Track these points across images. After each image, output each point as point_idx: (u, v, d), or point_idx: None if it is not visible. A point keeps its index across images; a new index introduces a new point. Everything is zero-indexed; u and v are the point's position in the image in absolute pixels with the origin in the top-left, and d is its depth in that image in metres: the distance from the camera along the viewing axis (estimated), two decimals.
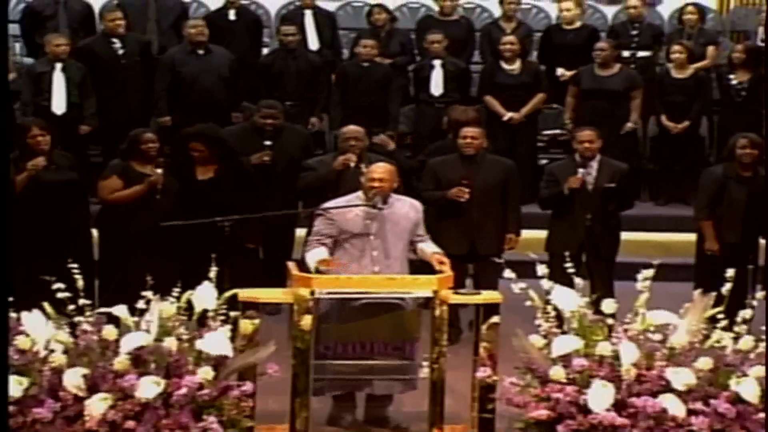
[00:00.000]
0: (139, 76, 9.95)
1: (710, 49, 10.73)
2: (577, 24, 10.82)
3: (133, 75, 9.93)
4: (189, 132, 7.94)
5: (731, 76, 10.18)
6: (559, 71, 10.50)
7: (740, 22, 11.72)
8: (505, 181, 8.00)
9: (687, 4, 10.99)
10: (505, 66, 10.16)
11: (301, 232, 8.20)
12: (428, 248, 6.51)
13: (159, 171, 7.57)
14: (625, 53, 10.59)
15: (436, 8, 11.16)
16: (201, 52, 9.87)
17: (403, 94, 10.39)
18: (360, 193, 6.49)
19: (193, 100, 9.77)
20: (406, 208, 6.53)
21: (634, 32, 10.82)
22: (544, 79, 10.31)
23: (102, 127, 9.70)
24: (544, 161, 10.30)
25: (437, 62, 10.21)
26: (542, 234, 8.18)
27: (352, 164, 7.78)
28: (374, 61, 10.14)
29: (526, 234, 8.16)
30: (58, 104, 9.57)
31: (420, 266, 6.61)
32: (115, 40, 9.88)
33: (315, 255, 6.30)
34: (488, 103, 10.17)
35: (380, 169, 6.48)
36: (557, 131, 10.51)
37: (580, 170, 7.89)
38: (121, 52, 9.87)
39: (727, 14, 11.98)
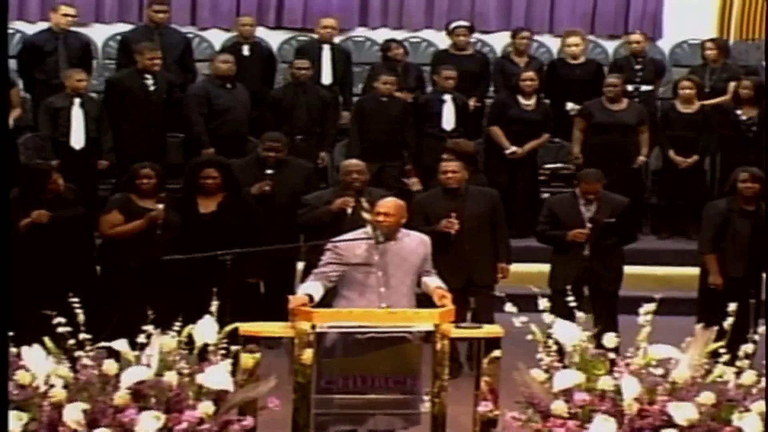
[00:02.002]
0: (163, 113, 10.01)
1: (731, 84, 10.72)
2: (582, 59, 10.87)
3: (157, 111, 9.99)
4: (201, 160, 7.97)
5: (738, 112, 10.18)
6: (569, 105, 10.53)
7: (740, 57, 11.75)
8: (492, 211, 8.02)
9: (707, 40, 11.04)
10: (522, 101, 10.18)
11: (302, 265, 8.19)
12: (432, 282, 6.52)
13: (160, 206, 7.58)
14: (629, 87, 10.63)
15: (444, 43, 11.18)
16: (229, 86, 9.98)
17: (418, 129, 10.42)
18: (368, 228, 6.50)
19: (225, 132, 9.90)
20: (415, 244, 6.54)
21: (638, 67, 10.86)
22: (551, 118, 10.34)
23: (120, 162, 9.71)
24: (545, 195, 10.32)
25: (448, 97, 10.24)
26: (542, 267, 8.17)
27: (349, 210, 7.78)
28: (392, 96, 10.17)
29: (527, 267, 8.18)
30: (77, 139, 9.62)
31: (423, 300, 6.61)
32: (147, 76, 9.93)
33: (303, 288, 6.35)
34: (493, 134, 10.19)
35: (387, 204, 6.49)
36: (559, 165, 10.52)
37: (588, 225, 7.87)
38: (152, 88, 9.93)
39: None
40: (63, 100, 9.68)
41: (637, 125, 10.11)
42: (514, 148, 10.11)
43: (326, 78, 10.73)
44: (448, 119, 10.20)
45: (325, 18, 11.04)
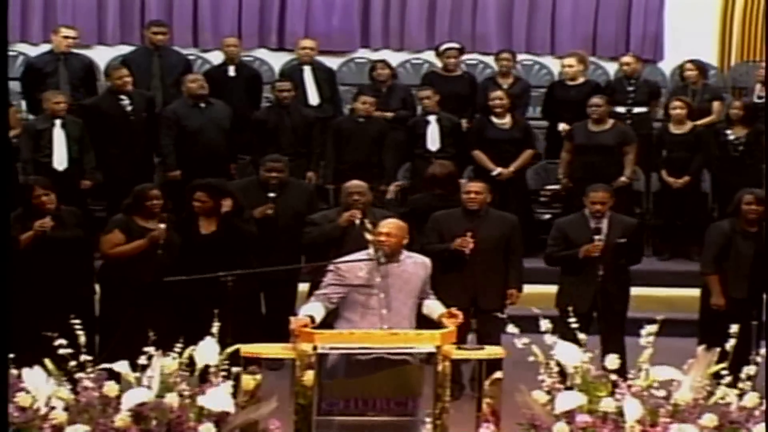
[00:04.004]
0: (144, 132, 10.01)
1: (715, 104, 10.75)
2: (580, 80, 10.88)
3: (139, 131, 9.98)
4: (196, 183, 7.98)
5: (728, 132, 10.23)
6: (561, 126, 10.53)
7: (741, 78, 11.77)
8: (507, 236, 8.00)
9: (686, 61, 11.05)
10: (495, 121, 10.18)
11: (303, 287, 8.20)
12: (436, 308, 6.52)
13: (162, 226, 7.58)
14: (621, 109, 10.63)
15: (440, 64, 11.21)
16: (202, 105, 9.96)
17: (402, 149, 10.41)
18: (370, 249, 6.49)
19: (198, 152, 9.85)
20: (417, 266, 6.54)
21: (630, 88, 10.87)
22: (533, 135, 10.35)
23: (107, 183, 9.73)
24: (546, 216, 10.31)
25: (432, 118, 10.25)
26: (544, 289, 8.16)
27: (357, 220, 7.80)
28: (370, 117, 10.18)
29: (529, 289, 8.15)
30: (59, 160, 9.61)
31: (425, 322, 6.61)
32: (123, 96, 9.94)
33: (305, 310, 6.35)
34: (477, 158, 10.18)
35: (389, 225, 6.50)
36: (558, 186, 10.52)
37: (597, 237, 7.86)
38: (129, 108, 9.94)
39: (728, 71, 12.05)
40: (44, 122, 9.68)
41: (619, 146, 10.06)
42: (499, 170, 10.09)
43: (313, 99, 10.77)
44: (433, 140, 10.20)
45: (304, 39, 11.11)
